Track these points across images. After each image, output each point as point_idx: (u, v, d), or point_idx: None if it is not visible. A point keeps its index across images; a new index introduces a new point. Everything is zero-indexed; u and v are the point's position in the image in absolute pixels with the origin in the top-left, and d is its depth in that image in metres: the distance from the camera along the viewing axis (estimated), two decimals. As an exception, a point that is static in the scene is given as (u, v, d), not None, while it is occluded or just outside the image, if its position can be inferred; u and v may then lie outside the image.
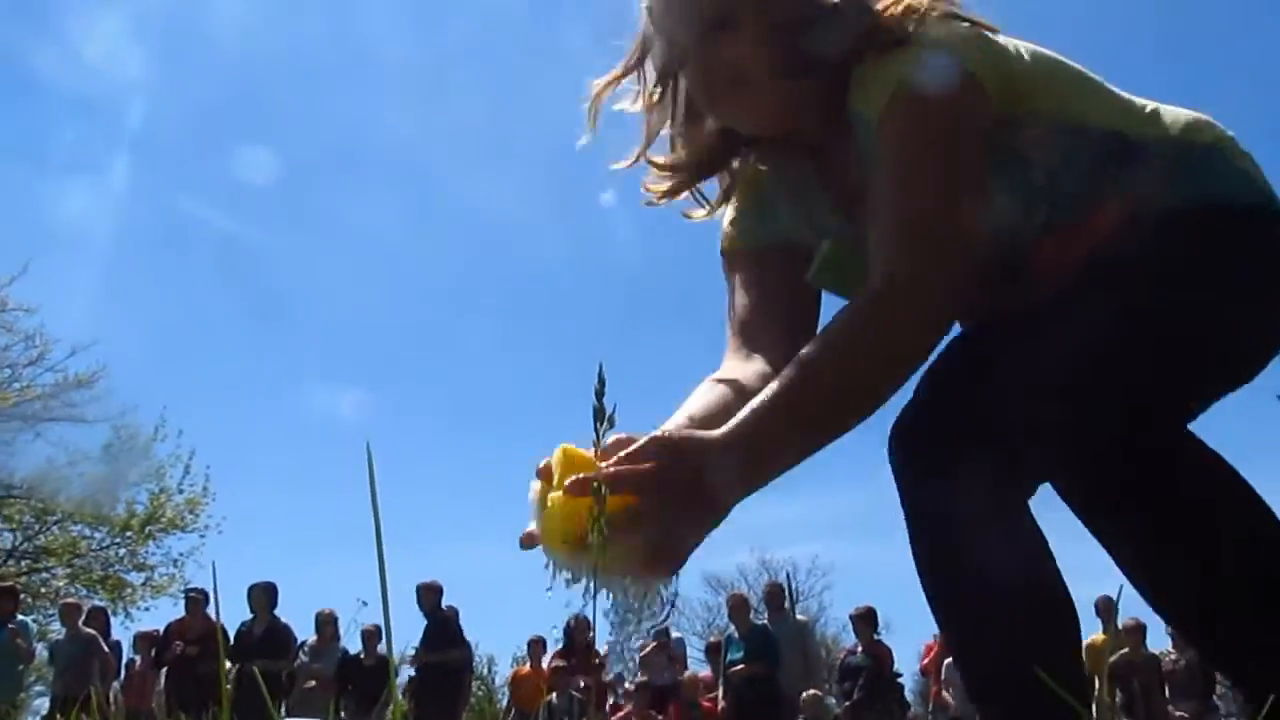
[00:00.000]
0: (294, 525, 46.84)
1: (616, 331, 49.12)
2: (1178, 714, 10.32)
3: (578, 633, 11.57)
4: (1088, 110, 1.61)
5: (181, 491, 23.59)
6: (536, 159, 48.70)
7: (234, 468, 45.98)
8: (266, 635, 10.96)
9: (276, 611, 11.25)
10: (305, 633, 11.60)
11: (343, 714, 10.46)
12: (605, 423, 1.09)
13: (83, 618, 11.56)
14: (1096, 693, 8.94)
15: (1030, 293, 1.60)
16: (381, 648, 11.54)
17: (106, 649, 11.20)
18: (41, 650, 14.51)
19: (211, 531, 23.38)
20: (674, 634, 11.85)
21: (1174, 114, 1.65)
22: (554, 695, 11.01)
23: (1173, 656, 10.51)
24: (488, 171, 47.65)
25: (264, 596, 11.21)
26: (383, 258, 49.86)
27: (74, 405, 23.17)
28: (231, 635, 11.05)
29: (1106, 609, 10.28)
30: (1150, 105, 1.66)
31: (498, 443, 50.77)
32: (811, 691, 10.52)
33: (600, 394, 1.05)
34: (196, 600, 11.50)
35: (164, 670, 11.30)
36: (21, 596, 21.30)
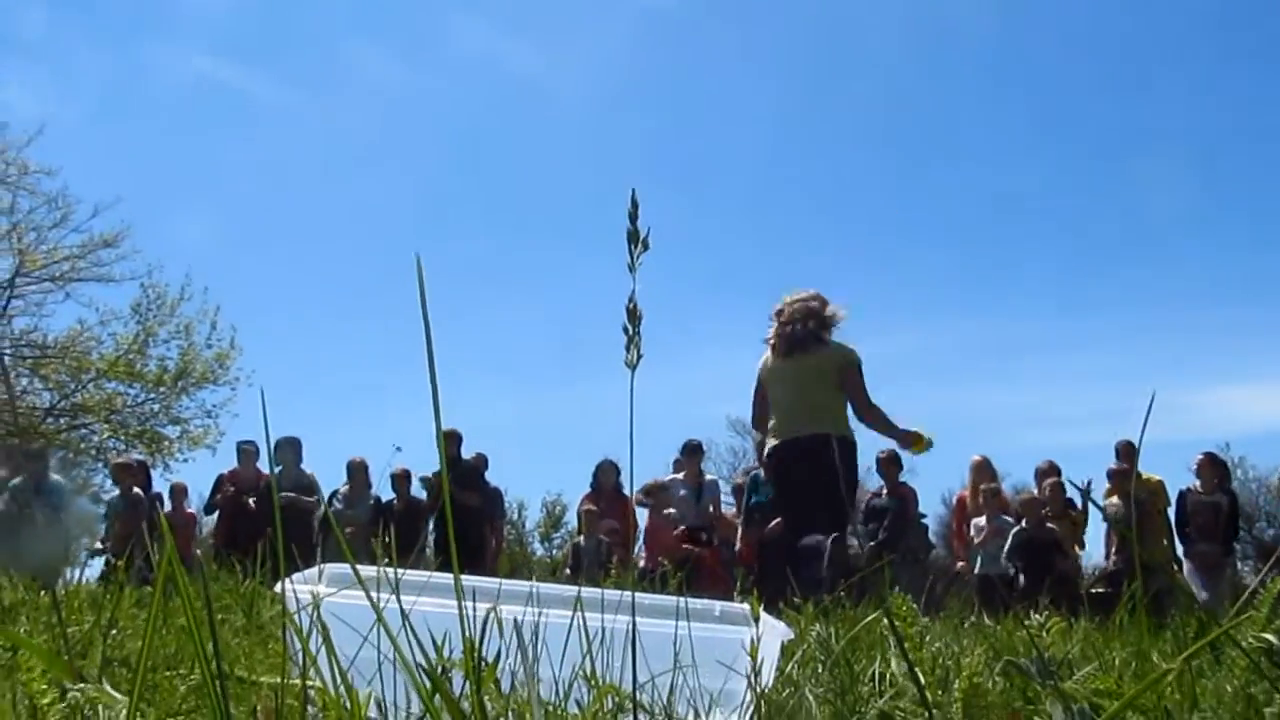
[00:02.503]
0: (324, 376, 47.29)
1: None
2: (1198, 550, 10.43)
3: (604, 476, 11.72)
4: None
5: (210, 346, 23.92)
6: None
7: (262, 320, 46.25)
8: (293, 485, 11.26)
9: (304, 465, 11.56)
10: (334, 485, 11.91)
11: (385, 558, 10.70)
12: (640, 245, 1.06)
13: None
14: (1113, 509, 9.11)
15: None
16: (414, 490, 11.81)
17: (152, 505, 11.51)
18: (86, 503, 14.86)
19: (242, 384, 23.78)
20: (709, 476, 11.92)
21: None
22: (581, 538, 11.23)
23: (1199, 496, 10.56)
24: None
25: (290, 450, 11.46)
26: (407, 102, 49.19)
27: (101, 265, 23.37)
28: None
29: (1127, 451, 10.55)
30: None
31: (532, 286, 50.87)
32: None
33: (634, 217, 1.02)
34: (249, 452, 11.80)
35: (214, 516, 11.80)
36: (64, 452, 21.90)
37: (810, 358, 6.95)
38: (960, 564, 11.50)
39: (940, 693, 1.19)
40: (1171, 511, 10.69)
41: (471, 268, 49.47)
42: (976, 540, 10.94)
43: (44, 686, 0.98)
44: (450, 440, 11.22)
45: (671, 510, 11.05)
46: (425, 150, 52.07)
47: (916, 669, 1.13)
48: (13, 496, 10.25)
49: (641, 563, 10.57)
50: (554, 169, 54.47)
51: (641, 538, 11.33)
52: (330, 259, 49.26)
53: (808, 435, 6.82)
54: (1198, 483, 10.63)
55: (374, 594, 1.45)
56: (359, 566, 1.97)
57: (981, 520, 10.89)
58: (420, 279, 0.79)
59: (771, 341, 7.17)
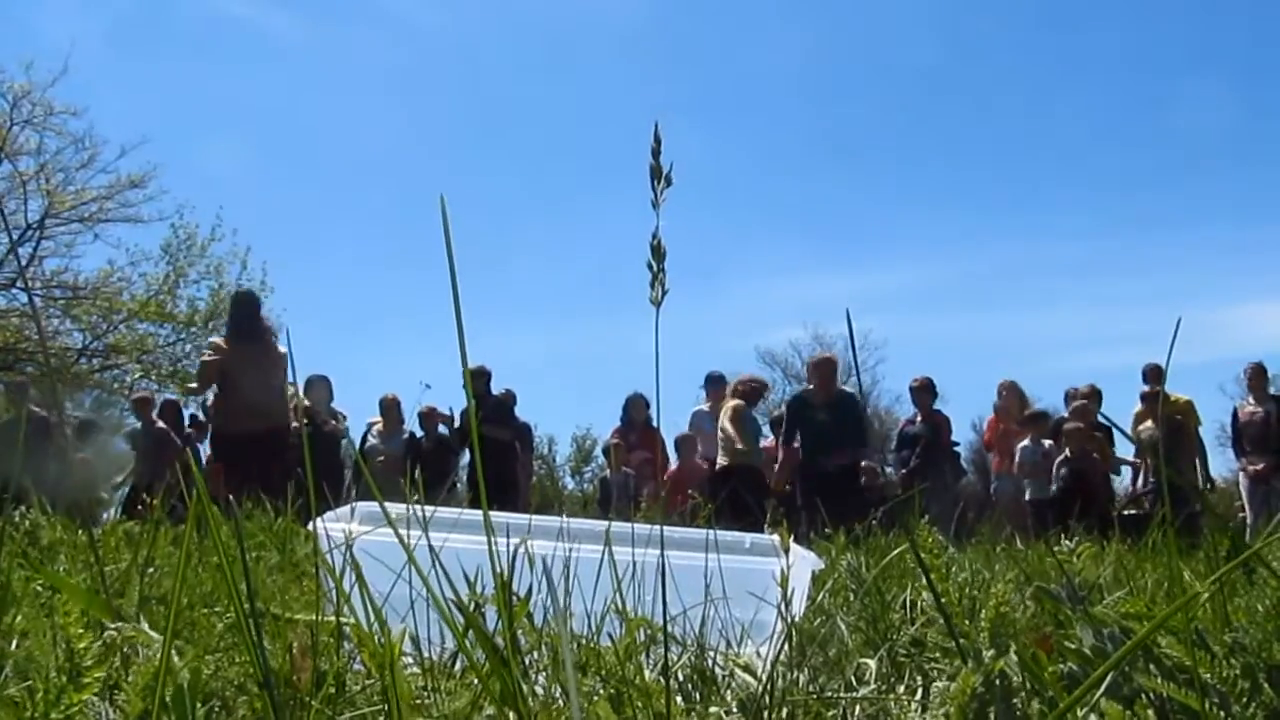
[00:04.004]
0: (355, 314, 47.55)
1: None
2: (1251, 467, 10.35)
3: (635, 410, 11.75)
4: None
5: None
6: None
7: (292, 260, 46.40)
8: (324, 423, 11.28)
9: (334, 404, 11.59)
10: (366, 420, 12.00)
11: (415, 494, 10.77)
12: (663, 181, 1.03)
13: (156, 410, 12.01)
14: (1142, 434, 9.09)
15: None
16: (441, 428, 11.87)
17: (179, 441, 11.60)
18: (119, 442, 15.04)
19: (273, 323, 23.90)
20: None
21: None
22: (608, 472, 11.29)
23: (1250, 409, 10.45)
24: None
25: (322, 388, 11.46)
26: (432, 37, 48.86)
27: (129, 206, 23.43)
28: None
29: (1154, 375, 10.48)
30: None
31: (557, 223, 50.80)
32: (866, 463, 10.75)
33: (656, 153, 1.00)
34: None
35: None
36: (99, 393, 22.11)
37: None
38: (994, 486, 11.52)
39: (967, 622, 1.19)
40: (1203, 431, 10.68)
41: (502, 203, 49.46)
42: (1019, 465, 10.89)
43: (80, 630, 0.99)
44: (478, 377, 11.26)
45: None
46: (455, 86, 51.84)
47: (943, 599, 1.13)
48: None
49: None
50: (583, 104, 54.10)
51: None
52: (360, 198, 49.32)
53: None
54: (1249, 396, 10.55)
55: (405, 531, 1.46)
56: (392, 504, 1.98)
57: (1026, 442, 10.84)
58: (445, 220, 0.78)
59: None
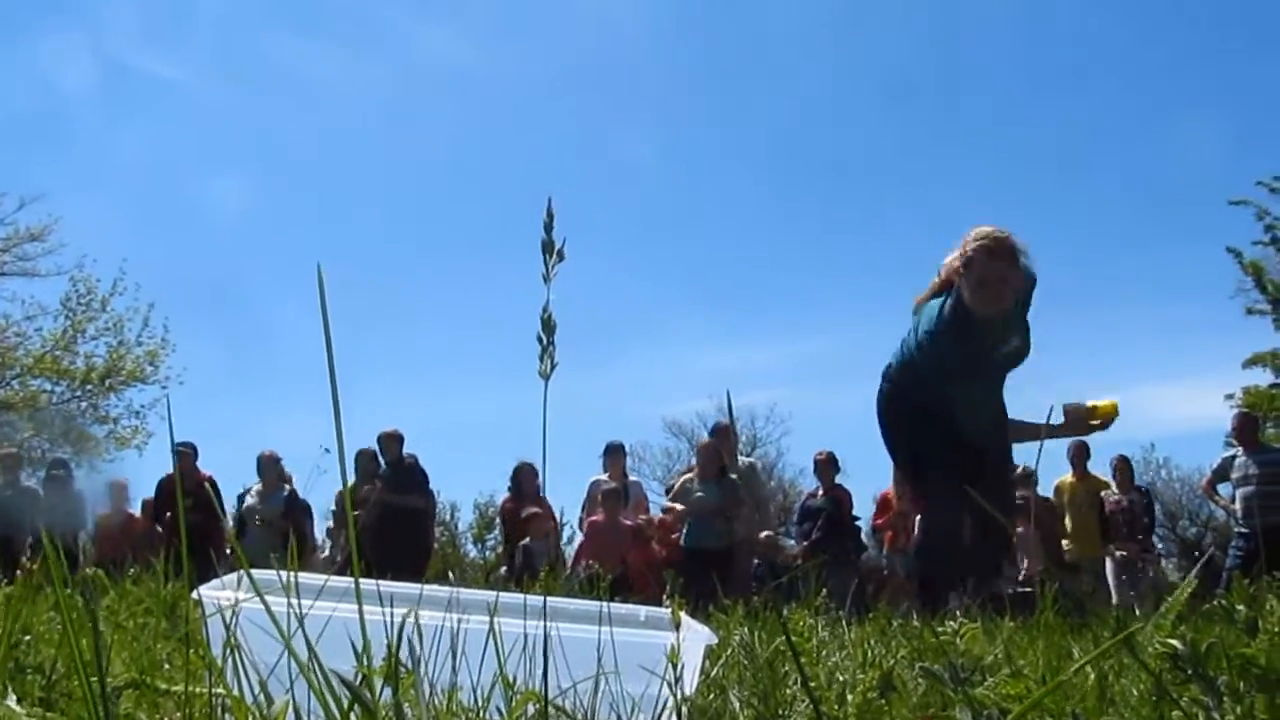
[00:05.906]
0: (258, 374, 46.82)
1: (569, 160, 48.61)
2: (1119, 552, 10.74)
3: (524, 478, 11.57)
4: None
5: (140, 344, 23.52)
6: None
7: (195, 318, 45.61)
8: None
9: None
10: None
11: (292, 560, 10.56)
12: (555, 256, 1.04)
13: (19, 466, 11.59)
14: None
15: None
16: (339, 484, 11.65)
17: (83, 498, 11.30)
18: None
19: (173, 383, 23.39)
20: (632, 478, 11.92)
21: None
22: (529, 539, 11.08)
23: (1115, 497, 10.94)
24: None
25: (188, 457, 11.12)
26: (334, 102, 48.86)
27: (27, 259, 22.91)
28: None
29: (1078, 452, 10.91)
30: None
31: (453, 291, 50.79)
32: (767, 533, 10.79)
33: (549, 228, 1.01)
34: (186, 455, 11.19)
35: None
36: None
37: None
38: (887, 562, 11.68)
39: (836, 707, 1.20)
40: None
41: (403, 264, 49.34)
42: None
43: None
44: (393, 441, 11.12)
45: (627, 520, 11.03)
46: (358, 142, 51.61)
47: (811, 684, 1.15)
48: None
49: (582, 567, 10.53)
50: (494, 169, 54.28)
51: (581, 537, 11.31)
52: (263, 255, 48.72)
53: None
54: (1115, 486, 11.15)
55: (293, 600, 1.43)
56: (278, 571, 1.95)
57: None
58: (321, 290, 0.78)
59: None
